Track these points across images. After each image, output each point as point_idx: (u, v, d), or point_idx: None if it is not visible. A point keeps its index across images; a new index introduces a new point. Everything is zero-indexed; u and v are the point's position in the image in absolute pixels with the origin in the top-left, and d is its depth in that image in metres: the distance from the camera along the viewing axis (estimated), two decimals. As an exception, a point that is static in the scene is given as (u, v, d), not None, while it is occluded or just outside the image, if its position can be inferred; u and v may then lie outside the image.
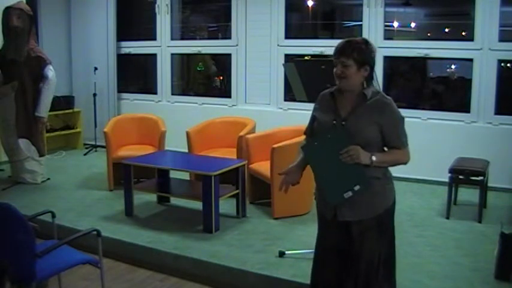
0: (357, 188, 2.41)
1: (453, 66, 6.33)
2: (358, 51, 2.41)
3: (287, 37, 6.44)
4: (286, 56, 6.35)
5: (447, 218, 4.53)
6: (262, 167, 4.77)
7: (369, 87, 2.47)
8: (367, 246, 2.53)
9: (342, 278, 2.60)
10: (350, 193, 2.42)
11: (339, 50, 2.44)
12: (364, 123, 2.42)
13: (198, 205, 4.40)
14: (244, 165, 4.59)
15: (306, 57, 6.22)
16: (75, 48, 7.75)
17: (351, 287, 2.57)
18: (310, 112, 2.69)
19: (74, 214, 4.63)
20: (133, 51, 7.60)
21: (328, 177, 2.45)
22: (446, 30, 6.48)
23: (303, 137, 2.78)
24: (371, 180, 2.46)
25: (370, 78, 2.48)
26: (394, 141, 2.47)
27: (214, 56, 7.57)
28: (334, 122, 2.48)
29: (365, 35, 5.90)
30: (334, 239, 2.60)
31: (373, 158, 2.40)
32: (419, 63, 6.22)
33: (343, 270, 2.59)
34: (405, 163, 2.54)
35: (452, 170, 4.56)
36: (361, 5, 5.94)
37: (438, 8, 6.48)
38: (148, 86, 7.95)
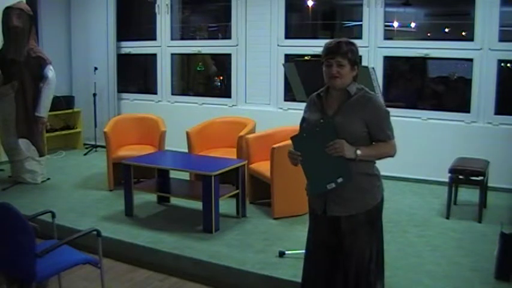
0: (339, 180, 2.48)
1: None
2: (351, 52, 2.51)
3: (287, 37, 6.44)
4: (286, 56, 6.36)
5: (447, 218, 4.53)
6: (262, 167, 4.77)
7: (353, 85, 2.55)
8: (358, 243, 2.57)
9: (331, 274, 2.63)
10: (333, 185, 2.49)
11: (334, 50, 2.50)
12: (349, 120, 2.49)
13: (198, 205, 4.40)
14: (244, 165, 4.59)
15: (306, 57, 6.22)
16: (75, 48, 7.75)
17: (340, 283, 2.60)
18: None
19: (74, 214, 4.62)
20: (133, 51, 7.60)
21: (313, 168, 2.53)
22: (446, 30, 6.48)
23: None
24: (359, 176, 2.51)
25: (356, 76, 2.57)
26: (379, 135, 2.52)
27: (214, 56, 7.57)
28: (322, 120, 2.55)
29: (365, 35, 5.92)
30: (323, 234, 2.66)
31: (358, 152, 2.46)
32: (419, 63, 6.22)
33: (333, 267, 2.62)
34: (392, 156, 2.58)
35: (452, 170, 4.56)
36: (361, 5, 5.94)
37: (438, 8, 6.48)
38: (148, 86, 7.95)
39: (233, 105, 6.83)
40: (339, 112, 2.53)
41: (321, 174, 2.51)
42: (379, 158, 2.58)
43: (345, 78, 2.51)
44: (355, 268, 2.57)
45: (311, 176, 2.55)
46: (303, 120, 2.72)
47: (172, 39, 7.29)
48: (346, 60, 2.49)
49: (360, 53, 2.63)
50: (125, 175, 4.61)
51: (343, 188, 2.50)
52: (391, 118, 2.57)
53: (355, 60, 2.53)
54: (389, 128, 2.54)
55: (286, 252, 3.71)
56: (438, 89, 6.42)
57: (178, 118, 6.54)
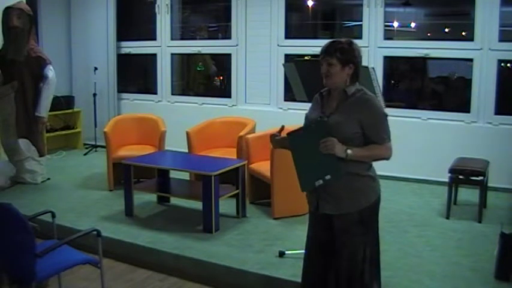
0: (327, 177, 2.49)
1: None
2: (341, 51, 2.51)
3: (287, 37, 6.44)
4: (286, 56, 6.35)
5: (447, 218, 4.53)
6: (262, 167, 4.77)
7: (353, 85, 2.56)
8: (350, 242, 2.57)
9: (325, 273, 2.65)
10: (321, 181, 2.50)
11: (324, 49, 2.55)
12: (345, 120, 2.50)
13: (198, 205, 4.40)
14: (244, 165, 4.59)
15: (306, 57, 6.21)
16: (75, 48, 7.75)
17: (332, 282, 2.62)
18: None
19: (74, 214, 4.63)
20: (133, 51, 7.60)
21: (304, 164, 2.56)
22: (446, 30, 6.48)
23: None
24: (351, 175, 2.52)
25: (355, 76, 2.56)
26: (373, 137, 2.51)
27: (214, 56, 7.57)
28: (319, 117, 2.58)
29: (365, 35, 5.92)
30: (317, 232, 2.69)
31: (348, 151, 2.46)
32: (419, 63, 6.22)
33: (326, 265, 2.64)
34: (386, 159, 2.57)
35: (452, 170, 4.56)
36: (361, 5, 5.94)
37: (438, 8, 6.48)
38: (148, 86, 7.95)
39: (233, 105, 6.83)
40: (336, 111, 2.54)
41: (310, 170, 2.54)
42: (373, 160, 2.57)
43: (335, 78, 2.52)
44: (347, 267, 2.57)
45: (301, 172, 2.57)
46: (305, 118, 2.74)
47: (172, 39, 7.29)
48: (335, 59, 2.50)
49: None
50: (125, 175, 4.61)
51: (333, 186, 2.52)
52: (391, 119, 2.56)
53: (346, 59, 2.50)
54: (385, 131, 2.53)
55: (286, 252, 3.71)
56: (438, 89, 6.42)
57: (178, 118, 6.53)
